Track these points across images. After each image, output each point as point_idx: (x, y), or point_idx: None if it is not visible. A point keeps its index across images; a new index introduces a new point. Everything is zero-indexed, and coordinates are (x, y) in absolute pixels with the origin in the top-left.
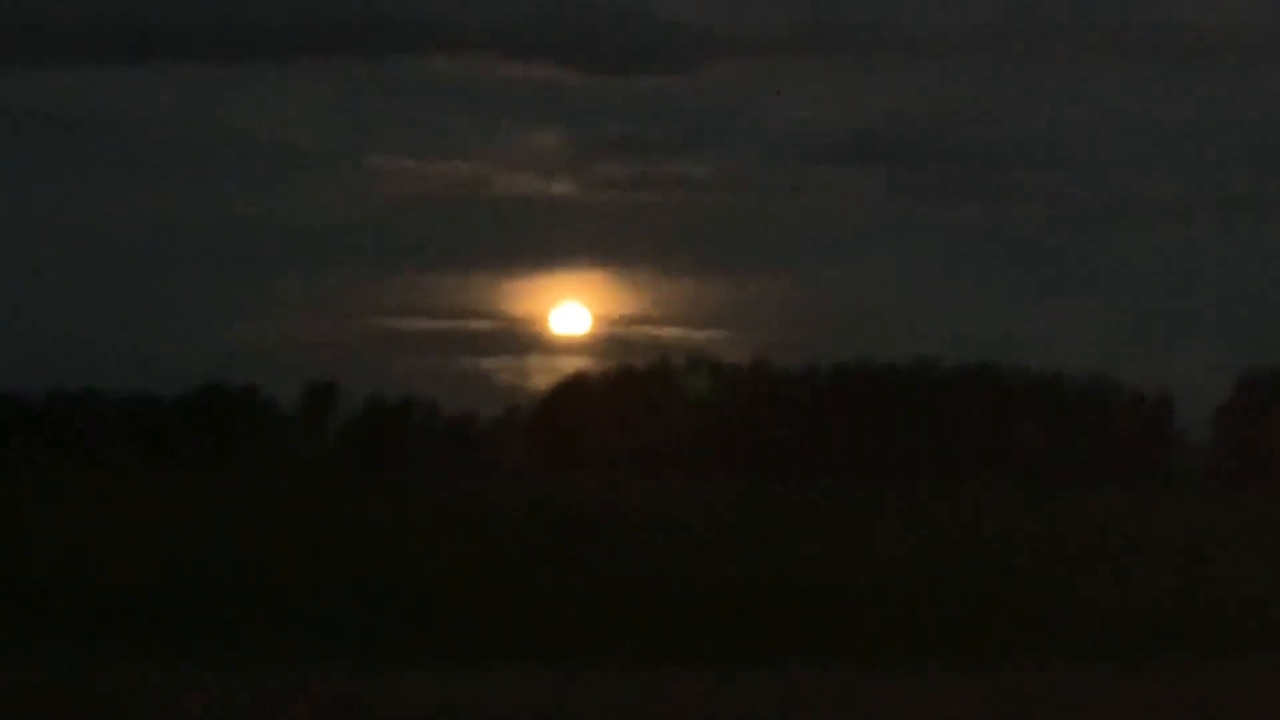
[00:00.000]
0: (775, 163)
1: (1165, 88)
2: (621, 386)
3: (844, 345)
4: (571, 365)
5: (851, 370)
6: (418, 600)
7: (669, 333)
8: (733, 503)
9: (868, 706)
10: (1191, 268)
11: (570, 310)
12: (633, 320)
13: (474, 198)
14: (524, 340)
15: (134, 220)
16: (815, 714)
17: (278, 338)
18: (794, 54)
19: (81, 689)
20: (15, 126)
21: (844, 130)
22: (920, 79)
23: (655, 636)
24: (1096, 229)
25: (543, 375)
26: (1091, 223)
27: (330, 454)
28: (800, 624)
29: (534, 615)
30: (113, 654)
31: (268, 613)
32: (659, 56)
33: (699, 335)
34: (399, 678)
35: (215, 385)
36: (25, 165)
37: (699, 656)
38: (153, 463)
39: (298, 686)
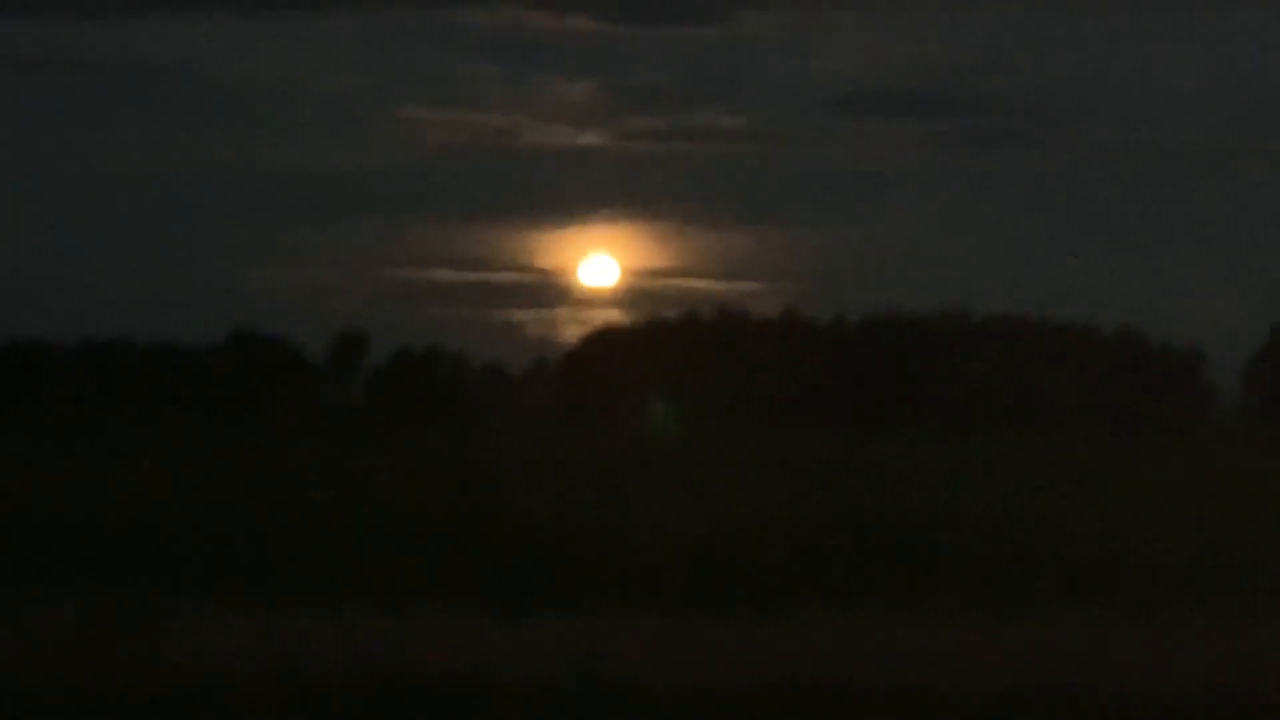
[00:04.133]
0: (807, 114)
1: (1199, 35)
2: (650, 339)
3: (875, 296)
4: (600, 317)
5: (882, 321)
6: (446, 548)
7: (699, 285)
8: (763, 453)
9: (893, 653)
10: (1225, 218)
11: (599, 262)
12: (662, 273)
13: (504, 149)
14: (553, 292)
15: (165, 168)
16: (849, 661)
17: (307, 287)
18: (826, 4)
19: (114, 635)
20: (49, 73)
21: (876, 81)
22: (953, 28)
23: (684, 585)
24: (1129, 178)
25: (572, 327)
26: (1124, 172)
27: (358, 404)
28: (830, 572)
29: (562, 564)
30: (142, 599)
31: (296, 559)
32: (691, 7)
33: (729, 287)
34: (428, 623)
35: (244, 334)
36: (59, 112)
37: (727, 605)
38: (181, 411)
39: (329, 630)
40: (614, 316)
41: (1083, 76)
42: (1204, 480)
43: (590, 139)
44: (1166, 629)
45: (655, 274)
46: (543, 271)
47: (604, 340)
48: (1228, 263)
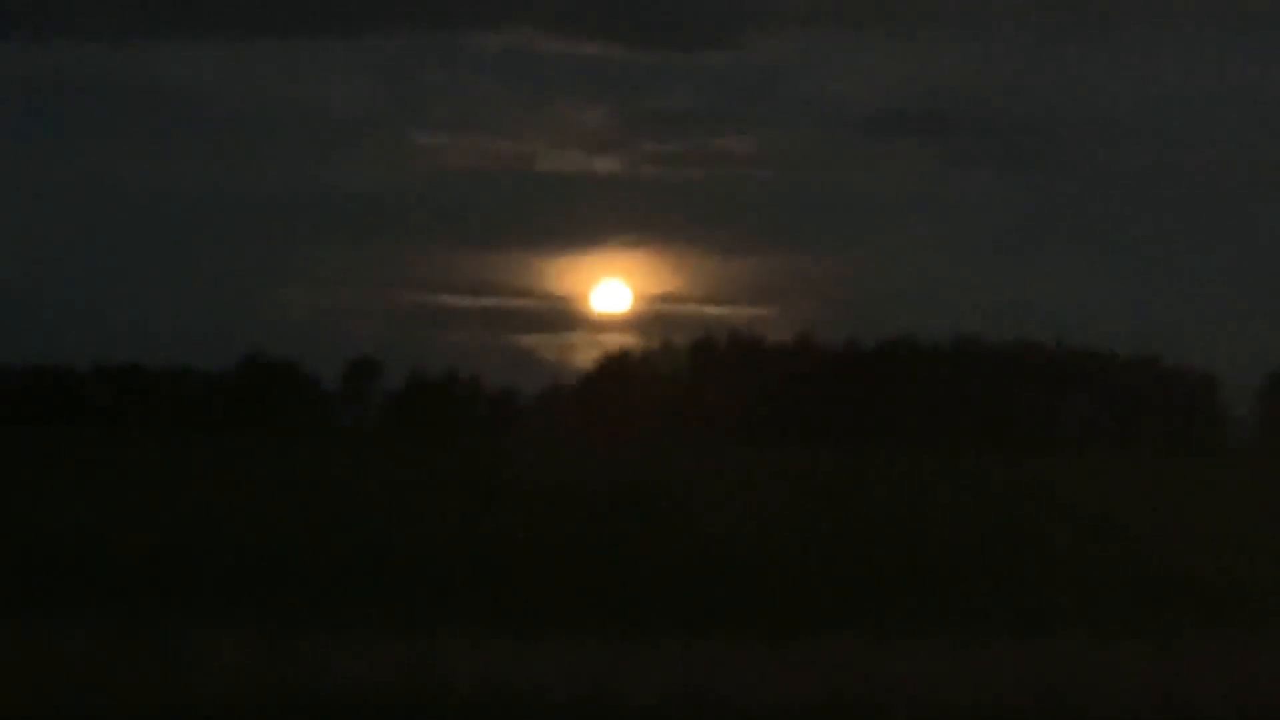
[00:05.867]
0: (821, 138)
1: (1211, 56)
2: (663, 365)
3: (888, 321)
4: (614, 343)
5: (895, 346)
6: (461, 571)
7: (711, 310)
8: (778, 477)
9: (916, 675)
10: (1238, 241)
11: (613, 288)
12: (675, 298)
13: (518, 173)
14: (566, 318)
15: (179, 192)
16: (867, 685)
17: (320, 311)
18: (840, 28)
19: (128, 656)
20: (63, 97)
21: (890, 104)
22: (965, 52)
23: (699, 609)
24: (1143, 202)
25: (585, 353)
26: (1138, 196)
27: (372, 428)
28: (845, 595)
29: (579, 588)
30: (156, 620)
31: (310, 582)
32: (704, 32)
33: (742, 313)
34: (444, 645)
35: (257, 359)
36: (71, 136)
37: (743, 628)
38: (195, 435)
39: (339, 653)
40: (627, 342)
41: (1097, 99)
42: (1219, 503)
43: (604, 164)
44: (1181, 649)
45: (668, 299)
46: (556, 297)
47: (618, 366)
48: (1242, 286)
